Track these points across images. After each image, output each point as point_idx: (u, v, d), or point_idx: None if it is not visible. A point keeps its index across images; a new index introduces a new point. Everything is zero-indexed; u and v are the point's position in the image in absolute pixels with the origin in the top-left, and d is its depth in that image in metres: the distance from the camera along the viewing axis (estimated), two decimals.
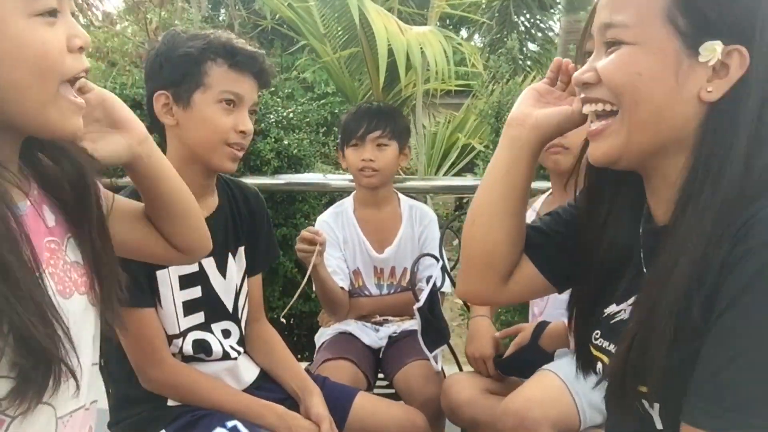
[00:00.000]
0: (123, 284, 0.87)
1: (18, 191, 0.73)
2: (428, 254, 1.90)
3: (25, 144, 0.77)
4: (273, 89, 3.05)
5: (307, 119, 2.76)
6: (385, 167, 1.95)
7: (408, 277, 1.98)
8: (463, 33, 8.71)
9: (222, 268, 1.42)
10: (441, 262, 1.88)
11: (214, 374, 1.40)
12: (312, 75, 7.74)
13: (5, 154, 0.74)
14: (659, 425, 0.81)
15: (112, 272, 0.85)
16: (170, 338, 1.35)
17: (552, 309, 1.61)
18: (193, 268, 1.36)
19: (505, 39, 7.20)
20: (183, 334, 1.37)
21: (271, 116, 2.60)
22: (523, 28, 8.47)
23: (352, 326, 1.96)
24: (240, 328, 1.47)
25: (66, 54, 0.72)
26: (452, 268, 2.03)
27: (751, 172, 0.73)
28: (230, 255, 1.44)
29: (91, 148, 0.84)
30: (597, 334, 0.91)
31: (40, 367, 0.68)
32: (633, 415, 0.84)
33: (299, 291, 1.74)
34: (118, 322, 0.87)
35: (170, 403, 1.36)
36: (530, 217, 1.77)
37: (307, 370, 1.59)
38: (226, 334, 1.44)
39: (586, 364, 0.94)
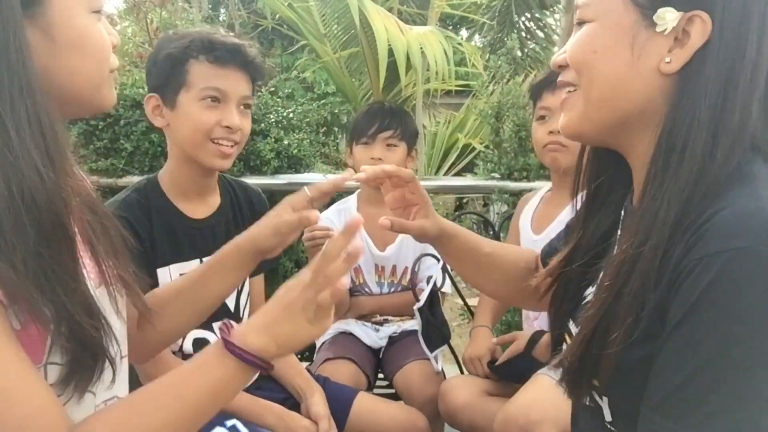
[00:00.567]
0: (138, 282, 0.88)
1: None
2: (429, 254, 1.90)
3: None
4: (273, 89, 3.05)
5: (307, 119, 2.75)
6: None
7: (409, 276, 1.98)
8: (464, 33, 8.71)
9: None
10: (441, 262, 1.88)
11: None
12: (312, 75, 7.73)
13: None
14: (608, 417, 0.80)
15: (124, 266, 0.85)
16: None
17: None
18: (195, 265, 1.36)
19: (506, 39, 7.19)
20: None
21: (271, 116, 2.59)
22: (523, 28, 8.46)
23: (353, 326, 1.96)
24: None
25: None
26: (452, 268, 2.03)
27: (715, 152, 0.69)
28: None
29: None
30: (574, 318, 0.90)
31: (89, 356, 0.70)
32: (586, 405, 0.84)
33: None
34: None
35: None
36: (527, 213, 1.77)
37: (308, 370, 1.59)
38: None
39: (556, 346, 0.94)
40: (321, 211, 2.31)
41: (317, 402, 1.44)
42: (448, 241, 1.07)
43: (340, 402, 1.51)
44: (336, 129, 7.70)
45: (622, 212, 0.87)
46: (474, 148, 5.50)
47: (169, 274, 1.34)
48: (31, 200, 0.65)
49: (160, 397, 0.74)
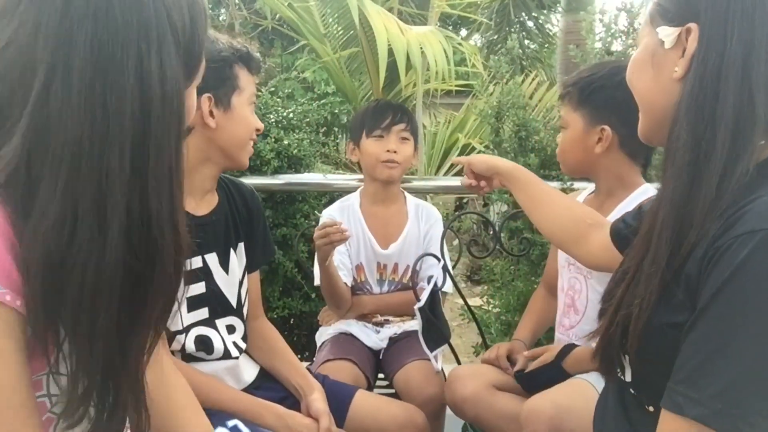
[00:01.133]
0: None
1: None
2: (430, 254, 1.90)
3: None
4: (273, 89, 3.05)
5: (307, 119, 2.75)
6: (406, 161, 1.99)
7: (410, 274, 1.98)
8: (463, 33, 8.71)
9: (224, 264, 1.43)
10: (442, 262, 1.88)
11: (215, 374, 1.40)
12: (312, 75, 7.74)
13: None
14: (628, 377, 0.88)
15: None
16: (173, 334, 1.35)
17: (585, 325, 1.56)
18: (197, 263, 1.38)
19: (506, 39, 7.19)
20: (186, 330, 1.37)
21: (271, 116, 2.59)
22: (523, 28, 8.46)
23: (354, 327, 1.96)
24: (244, 323, 1.48)
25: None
26: (452, 268, 2.03)
27: (713, 142, 0.77)
28: (232, 251, 1.46)
29: None
30: None
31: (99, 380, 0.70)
32: (614, 379, 0.92)
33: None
34: None
35: None
36: None
37: (308, 370, 1.60)
38: (231, 329, 1.45)
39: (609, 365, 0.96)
40: (323, 209, 2.32)
41: (317, 399, 1.44)
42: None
43: (339, 400, 1.51)
44: (336, 129, 7.70)
45: None
46: (474, 148, 5.50)
47: None
48: (164, 282, 0.71)
49: None
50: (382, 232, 2.00)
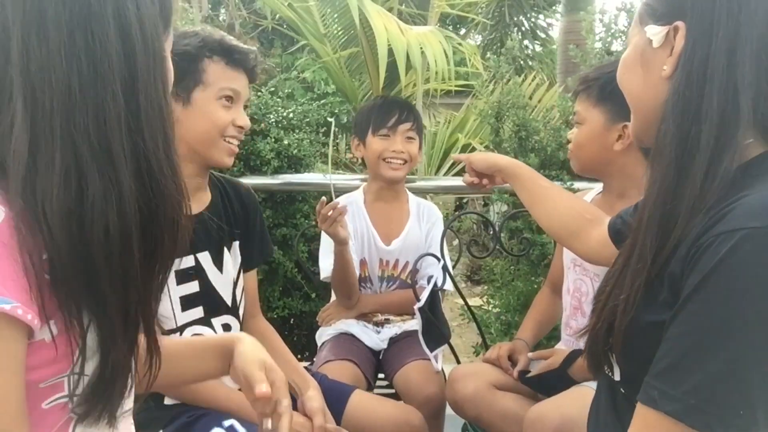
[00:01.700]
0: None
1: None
2: (430, 254, 1.90)
3: None
4: (273, 89, 3.05)
5: (307, 119, 2.75)
6: (412, 161, 1.99)
7: (409, 271, 1.99)
8: (462, 32, 8.71)
9: (218, 262, 1.43)
10: (442, 262, 1.88)
11: None
12: (312, 75, 7.74)
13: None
14: (617, 376, 0.88)
15: None
16: (167, 333, 1.35)
17: None
18: (190, 262, 1.37)
19: (505, 39, 7.19)
20: (180, 329, 1.37)
21: (271, 116, 2.59)
22: (522, 28, 8.46)
23: (354, 327, 1.96)
24: (240, 322, 1.48)
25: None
26: (452, 268, 2.03)
27: (698, 139, 0.77)
28: (225, 249, 1.45)
29: None
30: None
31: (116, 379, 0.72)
32: (605, 378, 0.92)
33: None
34: None
35: (167, 401, 1.36)
36: None
37: (308, 369, 1.59)
38: (227, 328, 1.45)
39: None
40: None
41: (312, 397, 1.44)
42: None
43: (335, 399, 1.51)
44: (336, 129, 7.69)
45: None
46: (474, 148, 5.49)
47: None
48: (171, 223, 0.71)
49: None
50: (385, 229, 2.01)
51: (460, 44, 4.91)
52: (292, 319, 2.64)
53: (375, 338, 1.96)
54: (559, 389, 1.49)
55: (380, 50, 3.79)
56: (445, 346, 1.89)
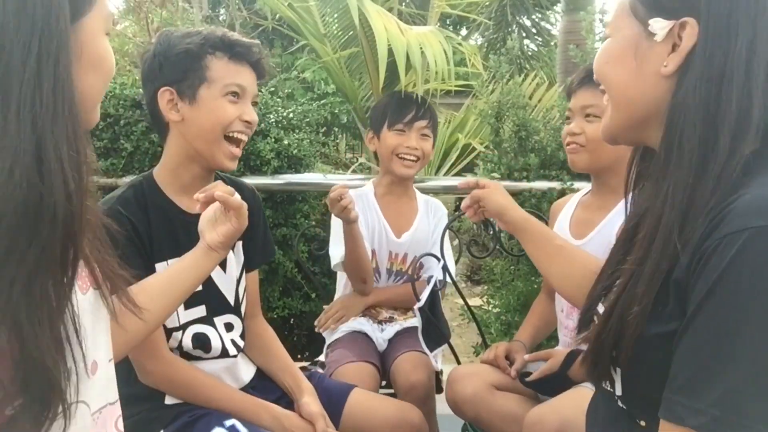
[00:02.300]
0: (125, 280, 0.88)
1: None
2: (430, 254, 1.90)
3: None
4: (273, 89, 3.05)
5: (307, 119, 2.76)
6: (425, 158, 1.99)
7: (416, 266, 1.99)
8: (463, 32, 8.71)
9: (222, 262, 1.42)
10: (442, 262, 1.88)
11: (213, 373, 1.40)
12: (312, 75, 7.74)
13: None
14: (619, 391, 0.85)
15: (113, 267, 0.85)
16: (170, 331, 1.35)
17: None
18: None
19: (505, 39, 7.20)
20: (183, 328, 1.37)
21: (271, 116, 2.59)
22: (522, 28, 8.47)
23: (366, 326, 1.95)
24: (242, 321, 1.48)
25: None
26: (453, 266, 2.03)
27: (716, 142, 0.75)
28: (230, 249, 1.45)
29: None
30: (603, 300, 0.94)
31: (43, 400, 0.67)
32: (603, 389, 0.89)
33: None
34: (120, 317, 0.89)
35: (168, 401, 1.36)
36: (563, 220, 1.74)
37: (321, 367, 1.59)
38: (229, 327, 1.44)
39: (583, 327, 0.95)
40: (318, 214, 2.32)
41: (309, 402, 1.44)
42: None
43: (334, 399, 1.51)
44: (336, 129, 7.70)
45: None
46: (474, 148, 5.50)
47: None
48: (52, 218, 0.65)
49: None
50: (396, 222, 2.01)
51: (460, 44, 4.90)
52: (292, 319, 2.64)
53: (379, 337, 1.96)
54: (560, 390, 1.49)
55: (380, 50, 3.78)
56: (445, 346, 1.89)
